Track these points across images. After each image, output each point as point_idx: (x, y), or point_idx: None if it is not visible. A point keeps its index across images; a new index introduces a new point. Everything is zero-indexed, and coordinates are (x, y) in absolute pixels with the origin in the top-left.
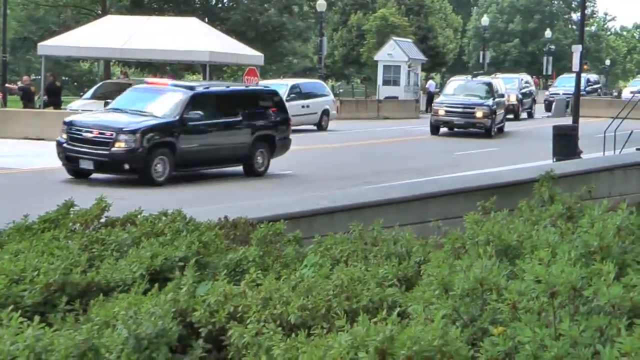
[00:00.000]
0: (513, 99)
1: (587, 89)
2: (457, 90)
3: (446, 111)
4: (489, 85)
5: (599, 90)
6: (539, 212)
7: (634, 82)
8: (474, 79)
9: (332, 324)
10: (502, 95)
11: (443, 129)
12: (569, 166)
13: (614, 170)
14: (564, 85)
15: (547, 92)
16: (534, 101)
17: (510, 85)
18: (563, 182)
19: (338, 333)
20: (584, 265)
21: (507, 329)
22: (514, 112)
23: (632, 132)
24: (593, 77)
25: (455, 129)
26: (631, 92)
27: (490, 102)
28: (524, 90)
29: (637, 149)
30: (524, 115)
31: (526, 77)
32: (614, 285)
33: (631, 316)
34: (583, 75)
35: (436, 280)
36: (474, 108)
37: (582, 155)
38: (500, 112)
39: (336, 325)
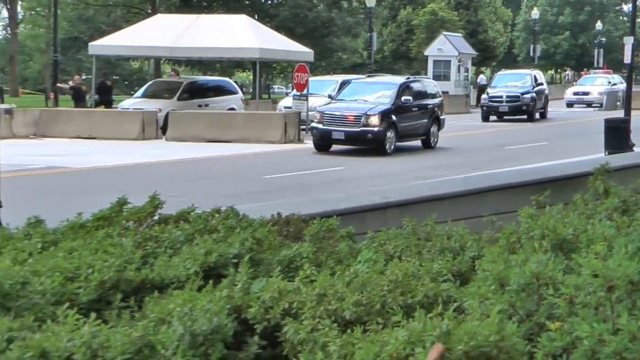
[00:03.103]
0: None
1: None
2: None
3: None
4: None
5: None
6: (594, 206)
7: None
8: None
9: (388, 320)
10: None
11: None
12: (621, 159)
13: None
14: (505, 84)
15: (484, 96)
16: (546, 100)
17: (521, 82)
18: (616, 175)
19: (394, 328)
20: None
21: (564, 324)
22: (527, 112)
23: None
24: (615, 78)
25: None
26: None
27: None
28: (537, 88)
29: None
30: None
31: (538, 73)
32: None
33: None
34: (601, 75)
35: (491, 275)
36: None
37: (634, 148)
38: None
39: (392, 320)
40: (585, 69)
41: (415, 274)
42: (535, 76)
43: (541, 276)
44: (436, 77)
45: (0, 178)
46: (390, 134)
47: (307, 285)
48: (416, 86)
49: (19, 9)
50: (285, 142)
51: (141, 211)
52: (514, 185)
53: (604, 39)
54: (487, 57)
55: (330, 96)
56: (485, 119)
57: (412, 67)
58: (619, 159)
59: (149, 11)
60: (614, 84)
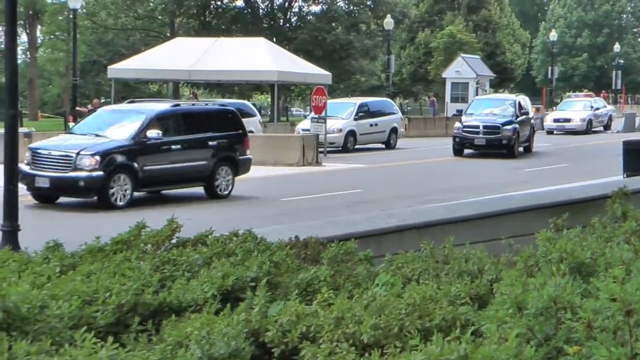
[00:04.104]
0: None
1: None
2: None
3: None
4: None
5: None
6: (612, 229)
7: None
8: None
9: (405, 343)
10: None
11: None
12: None
13: None
14: (481, 110)
15: (457, 124)
16: (533, 130)
17: (500, 109)
18: (635, 198)
19: (411, 352)
20: None
21: (582, 348)
22: (507, 146)
23: None
24: (598, 101)
25: None
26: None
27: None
28: (521, 118)
29: None
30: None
31: (524, 99)
32: None
33: None
34: (582, 99)
35: (509, 298)
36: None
37: None
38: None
39: (409, 344)
40: (603, 91)
41: (433, 297)
42: (519, 102)
43: (559, 300)
44: (454, 99)
45: (19, 202)
46: None
47: (324, 309)
48: None
49: (38, 33)
50: (303, 165)
51: (159, 234)
52: (532, 207)
53: (622, 61)
54: (505, 78)
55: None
56: (458, 152)
57: (431, 89)
58: (637, 182)
59: (168, 34)
60: (597, 108)
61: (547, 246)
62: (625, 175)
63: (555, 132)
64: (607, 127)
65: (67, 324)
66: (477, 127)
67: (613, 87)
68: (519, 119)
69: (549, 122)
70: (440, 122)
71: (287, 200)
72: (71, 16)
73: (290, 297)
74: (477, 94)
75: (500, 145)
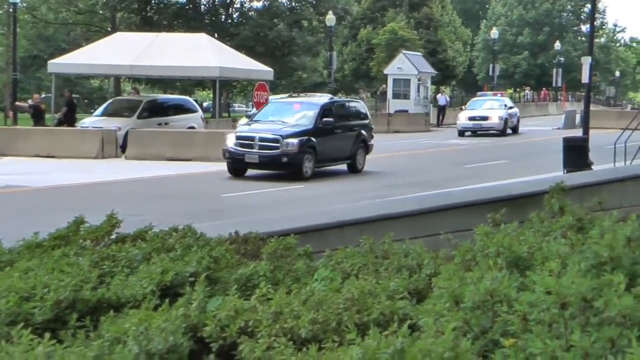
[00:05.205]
0: None
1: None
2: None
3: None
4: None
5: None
6: (550, 224)
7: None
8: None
9: (343, 338)
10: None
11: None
12: (579, 177)
13: (626, 182)
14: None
15: (231, 136)
16: (363, 144)
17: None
18: (574, 193)
19: (349, 346)
20: (595, 276)
21: (518, 340)
22: (290, 165)
23: None
24: (507, 100)
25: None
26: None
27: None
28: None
29: None
30: None
31: (359, 103)
32: (625, 296)
33: None
34: (492, 98)
35: (447, 292)
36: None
37: (592, 167)
38: None
39: (347, 338)
40: (544, 88)
41: (371, 292)
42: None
43: (495, 293)
44: (396, 96)
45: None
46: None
47: (263, 304)
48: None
49: None
50: None
51: (98, 230)
52: (472, 203)
53: (562, 59)
54: (447, 76)
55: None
56: (237, 173)
57: (373, 86)
58: (577, 178)
59: (109, 29)
60: (511, 107)
61: (484, 241)
62: (565, 171)
63: (470, 132)
64: (515, 129)
65: (4, 321)
66: (252, 139)
67: (554, 85)
68: (316, 126)
69: (462, 120)
70: (383, 119)
71: (228, 196)
72: (11, 10)
73: (230, 292)
74: (419, 91)
75: (280, 164)
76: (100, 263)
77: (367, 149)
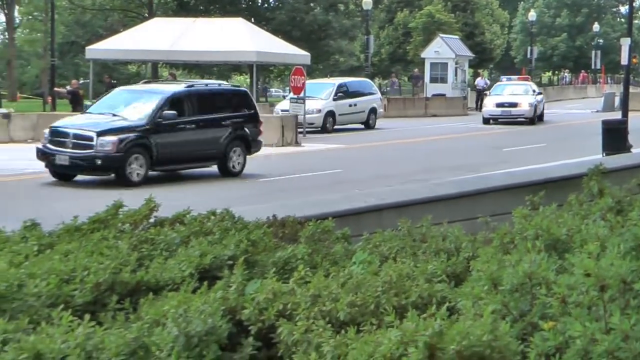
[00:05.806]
0: None
1: None
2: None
3: None
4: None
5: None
6: (588, 206)
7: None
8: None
9: (381, 320)
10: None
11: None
12: (618, 160)
13: None
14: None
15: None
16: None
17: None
18: (613, 176)
19: (387, 329)
20: (634, 258)
21: (557, 323)
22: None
23: None
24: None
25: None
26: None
27: None
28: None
29: None
30: None
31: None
32: None
33: None
34: (519, 82)
35: (485, 275)
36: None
37: (632, 150)
38: None
39: (385, 321)
40: (582, 71)
41: (409, 275)
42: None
43: (534, 276)
44: (433, 80)
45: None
46: None
47: (301, 287)
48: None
49: (16, 13)
50: (282, 145)
51: (137, 214)
52: (510, 186)
53: (601, 41)
54: (485, 59)
55: None
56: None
57: (409, 70)
58: (616, 160)
59: (146, 15)
60: (539, 93)
61: (523, 223)
62: (604, 154)
63: (499, 120)
64: (541, 117)
65: (45, 303)
66: (67, 135)
67: (592, 67)
68: (153, 121)
69: (489, 107)
70: (420, 102)
71: (267, 180)
72: None
73: (268, 276)
74: (456, 75)
75: (94, 167)
76: (139, 246)
77: (249, 146)
